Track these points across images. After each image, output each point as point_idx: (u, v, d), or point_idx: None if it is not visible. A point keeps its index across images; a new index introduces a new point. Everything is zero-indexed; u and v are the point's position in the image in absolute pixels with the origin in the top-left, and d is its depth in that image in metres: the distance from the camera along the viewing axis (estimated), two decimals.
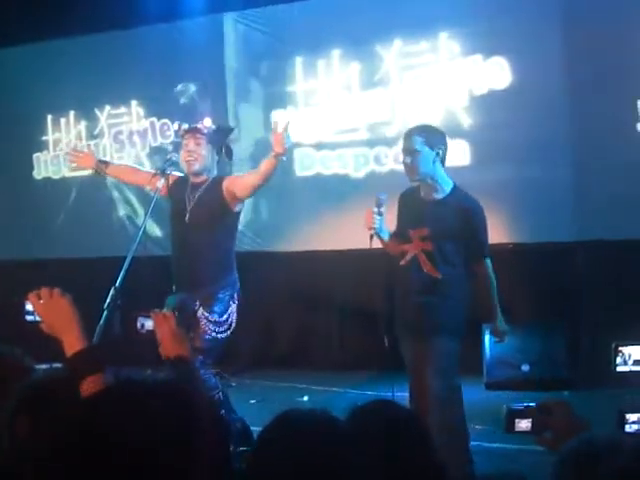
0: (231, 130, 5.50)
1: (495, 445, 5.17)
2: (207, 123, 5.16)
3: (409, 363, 4.56)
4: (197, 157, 5.06)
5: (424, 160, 4.49)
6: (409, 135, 4.60)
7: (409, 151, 4.54)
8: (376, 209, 4.53)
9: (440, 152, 4.52)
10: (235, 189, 4.99)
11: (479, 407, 5.38)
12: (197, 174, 5.11)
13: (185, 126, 5.23)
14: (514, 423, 2.15)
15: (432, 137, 4.57)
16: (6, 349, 2.72)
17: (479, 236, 4.55)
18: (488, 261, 4.57)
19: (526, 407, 2.17)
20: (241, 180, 5.09)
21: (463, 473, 4.18)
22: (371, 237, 4.54)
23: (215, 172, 5.17)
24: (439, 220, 4.51)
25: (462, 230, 4.48)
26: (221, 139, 5.22)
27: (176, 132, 5.54)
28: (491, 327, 4.77)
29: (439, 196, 4.57)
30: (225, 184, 5.03)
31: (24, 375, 2.67)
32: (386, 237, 4.61)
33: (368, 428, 2.02)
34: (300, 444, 1.66)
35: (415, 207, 4.64)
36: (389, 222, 4.67)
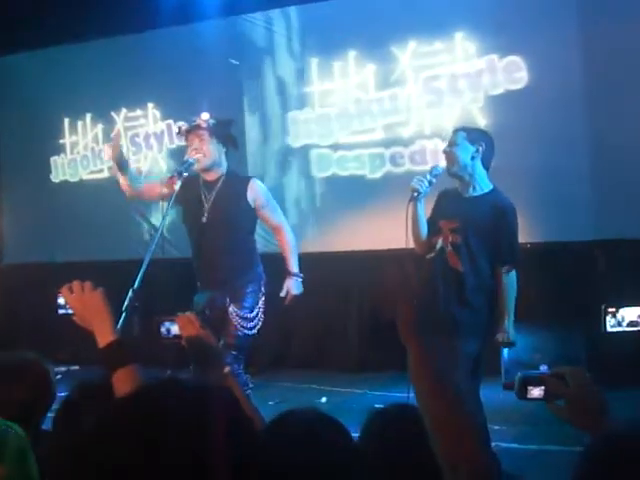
0: (231, 122, 5.49)
1: (513, 445, 5.16)
2: (205, 117, 5.15)
3: None
4: (204, 153, 5.07)
5: (462, 152, 4.56)
6: (455, 130, 4.77)
7: (450, 143, 4.67)
8: (428, 176, 4.59)
9: (480, 149, 4.56)
10: (262, 217, 5.26)
11: (497, 408, 5.36)
12: (208, 170, 5.12)
13: (185, 126, 5.24)
14: (527, 390, 2.11)
15: (474, 134, 4.71)
16: (26, 354, 2.74)
17: (509, 237, 4.54)
18: (513, 269, 4.54)
19: (540, 374, 2.13)
20: (270, 220, 5.37)
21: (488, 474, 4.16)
22: (410, 200, 4.56)
23: (226, 165, 5.19)
24: (471, 215, 4.52)
25: (493, 228, 4.48)
26: (224, 131, 5.23)
27: (178, 134, 5.54)
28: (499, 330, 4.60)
29: (476, 193, 4.60)
30: (253, 195, 5.12)
31: (42, 378, 2.69)
32: (420, 217, 4.62)
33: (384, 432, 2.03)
34: (298, 443, 1.67)
35: (450, 202, 4.68)
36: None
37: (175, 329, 2.60)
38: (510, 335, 4.56)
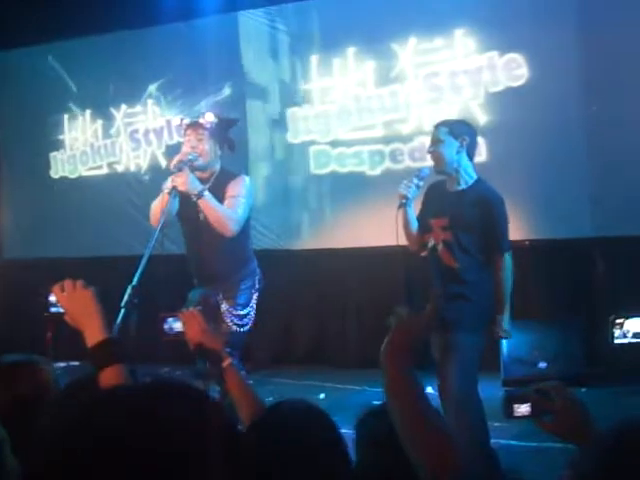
0: (234, 122, 5.47)
1: (513, 442, 5.16)
2: (209, 118, 5.12)
3: (436, 359, 4.55)
4: (200, 152, 5.05)
5: (447, 149, 4.53)
6: (436, 126, 4.70)
7: (433, 140, 4.61)
8: (415, 180, 4.56)
9: (464, 143, 4.52)
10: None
11: (496, 404, 5.35)
12: (201, 169, 5.11)
13: (187, 120, 5.22)
14: (513, 408, 2.13)
15: (457, 128, 4.63)
16: (32, 358, 2.74)
17: (498, 228, 4.51)
18: (507, 257, 4.51)
19: (524, 391, 2.15)
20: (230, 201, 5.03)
21: (485, 469, 4.17)
22: (399, 207, 4.54)
23: (219, 166, 5.17)
24: (458, 210, 4.50)
25: (481, 220, 4.46)
26: (223, 132, 5.21)
27: (178, 127, 5.51)
28: (496, 321, 4.54)
29: (460, 187, 4.58)
30: (230, 189, 5.05)
31: (44, 378, 2.70)
32: (411, 221, 4.61)
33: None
34: (286, 433, 1.68)
35: (438, 198, 4.65)
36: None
37: (178, 326, 2.59)
38: (505, 329, 4.54)
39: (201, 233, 5.10)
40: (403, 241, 4.65)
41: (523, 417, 2.12)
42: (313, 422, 1.75)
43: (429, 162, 4.75)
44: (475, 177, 4.61)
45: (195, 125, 5.11)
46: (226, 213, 4.95)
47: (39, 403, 2.60)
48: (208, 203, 4.89)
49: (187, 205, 5.15)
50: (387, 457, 1.97)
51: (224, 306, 4.98)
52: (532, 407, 2.10)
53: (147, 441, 1.21)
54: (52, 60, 9.30)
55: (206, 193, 4.88)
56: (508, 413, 2.14)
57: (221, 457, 1.25)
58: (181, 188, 4.85)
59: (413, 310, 2.04)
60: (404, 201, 4.55)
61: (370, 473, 1.97)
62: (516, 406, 2.12)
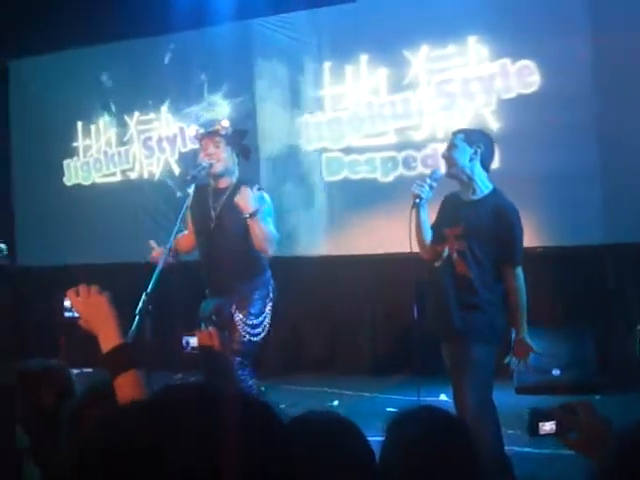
0: (245, 132, 5.47)
1: (526, 450, 5.14)
2: (225, 124, 5.13)
3: (448, 368, 4.54)
4: (218, 159, 5.05)
5: (460, 153, 4.51)
6: (453, 133, 4.69)
7: (449, 146, 4.61)
8: (429, 180, 4.55)
9: (479, 150, 4.50)
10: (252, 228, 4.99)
11: (510, 412, 5.34)
12: (220, 176, 5.11)
13: (202, 130, 5.23)
14: (538, 426, 2.11)
15: (472, 135, 4.62)
16: (49, 362, 2.76)
17: (513, 240, 4.46)
18: (519, 271, 4.47)
19: (550, 409, 2.13)
20: (258, 230, 4.95)
21: (500, 477, 4.16)
22: (412, 206, 4.53)
23: (236, 177, 5.17)
24: (473, 219, 4.47)
25: (495, 231, 4.42)
26: (239, 141, 5.22)
27: (194, 137, 5.51)
28: (514, 340, 4.53)
29: (476, 196, 4.55)
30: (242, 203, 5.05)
31: (66, 384, 2.71)
32: (424, 223, 4.60)
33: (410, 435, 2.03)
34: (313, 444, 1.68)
35: (453, 207, 4.62)
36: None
37: (194, 342, 2.60)
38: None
39: (214, 243, 5.11)
40: (416, 248, 4.64)
41: (547, 435, 2.11)
42: (338, 429, 1.76)
43: (441, 170, 4.74)
44: (491, 187, 4.58)
45: (212, 133, 5.11)
46: (270, 235, 4.95)
47: (60, 409, 2.61)
48: (257, 223, 4.88)
49: (201, 216, 5.17)
50: (411, 463, 1.97)
51: (237, 316, 4.97)
52: (557, 424, 2.08)
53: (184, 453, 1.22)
54: (66, 68, 9.34)
55: (258, 215, 4.87)
56: (533, 431, 2.12)
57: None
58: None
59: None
60: (417, 201, 4.53)
61: (393, 478, 1.96)
62: (541, 424, 2.11)
